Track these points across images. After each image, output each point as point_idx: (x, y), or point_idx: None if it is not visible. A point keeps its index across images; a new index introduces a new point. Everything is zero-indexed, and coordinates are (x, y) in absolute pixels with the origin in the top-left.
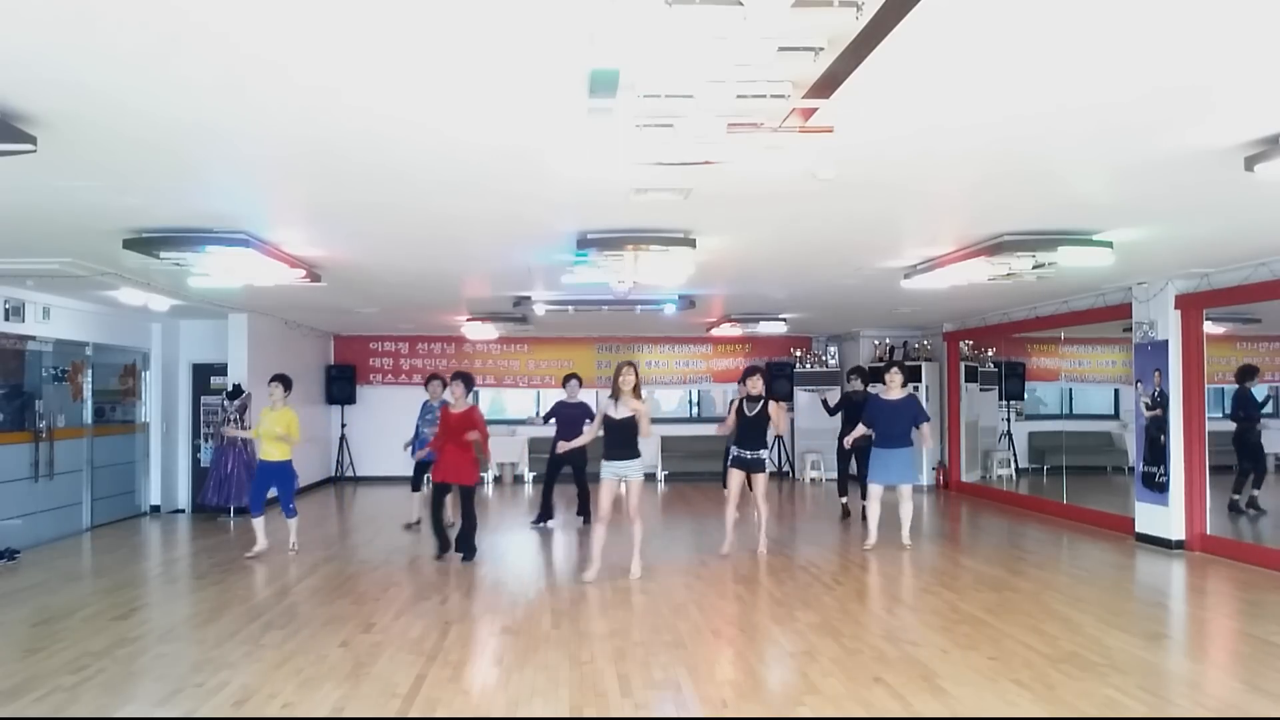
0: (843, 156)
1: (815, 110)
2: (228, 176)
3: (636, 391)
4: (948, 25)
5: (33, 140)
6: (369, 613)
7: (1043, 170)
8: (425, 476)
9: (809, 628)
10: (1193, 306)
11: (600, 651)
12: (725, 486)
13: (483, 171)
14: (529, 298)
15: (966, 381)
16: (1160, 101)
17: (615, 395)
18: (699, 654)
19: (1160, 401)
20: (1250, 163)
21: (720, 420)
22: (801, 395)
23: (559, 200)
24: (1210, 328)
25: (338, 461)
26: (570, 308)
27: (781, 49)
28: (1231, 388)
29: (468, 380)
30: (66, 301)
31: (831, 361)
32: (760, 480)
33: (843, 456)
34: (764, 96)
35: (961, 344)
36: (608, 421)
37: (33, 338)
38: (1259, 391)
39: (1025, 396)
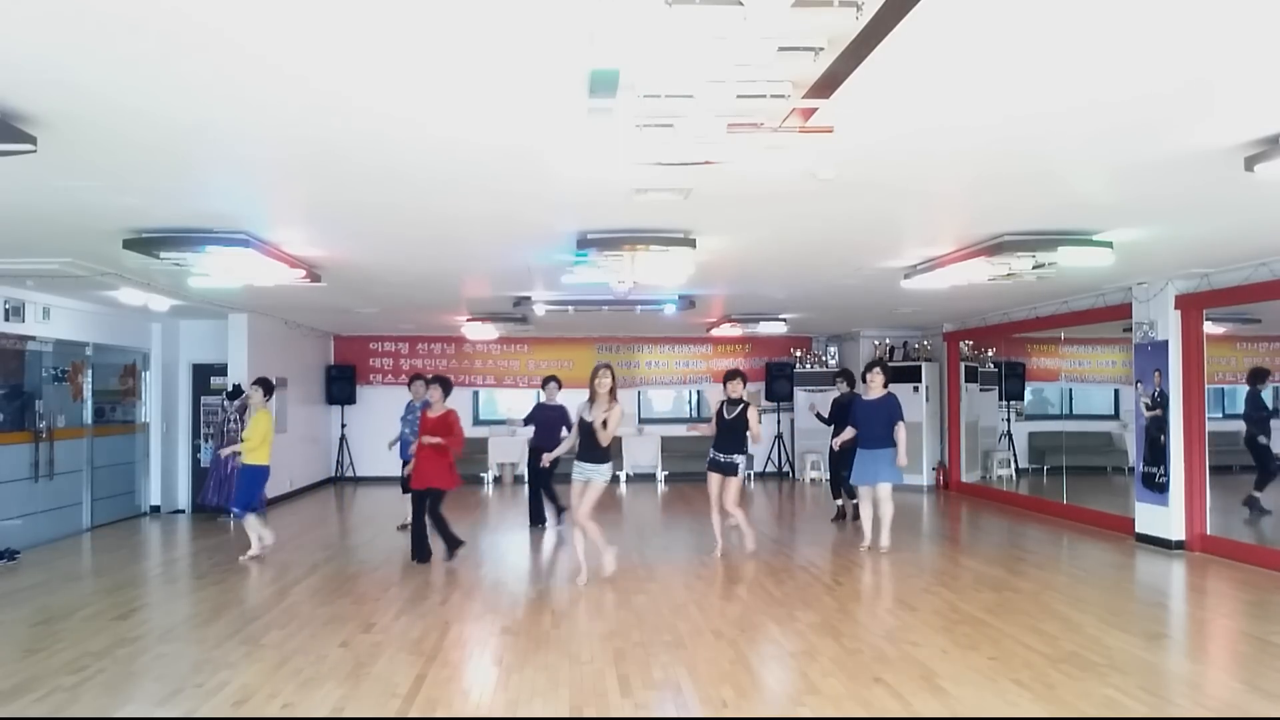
0: (843, 156)
1: (815, 110)
2: (227, 177)
3: (613, 394)
4: (948, 25)
5: (33, 140)
6: (369, 613)
7: (1043, 170)
8: None
9: (809, 627)
10: (1193, 306)
11: (600, 651)
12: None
13: (483, 171)
14: (529, 298)
15: (966, 382)
16: (1160, 101)
17: (591, 398)
18: (699, 654)
19: (1160, 402)
20: (1250, 163)
21: (707, 420)
22: (801, 395)
23: (559, 200)
24: (1210, 328)
25: (338, 462)
26: (570, 308)
27: (781, 49)
28: (1231, 388)
29: (445, 384)
30: (66, 301)
31: (831, 362)
32: (731, 485)
33: (834, 459)
34: (764, 96)
35: (961, 344)
36: (581, 423)
37: (33, 338)
38: (1267, 396)
39: (1029, 396)
